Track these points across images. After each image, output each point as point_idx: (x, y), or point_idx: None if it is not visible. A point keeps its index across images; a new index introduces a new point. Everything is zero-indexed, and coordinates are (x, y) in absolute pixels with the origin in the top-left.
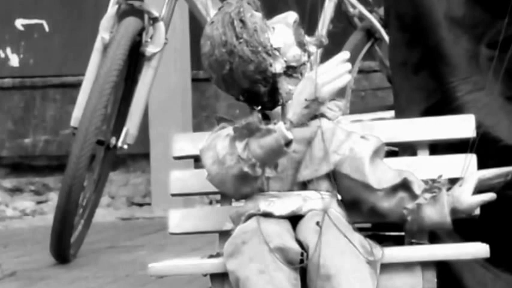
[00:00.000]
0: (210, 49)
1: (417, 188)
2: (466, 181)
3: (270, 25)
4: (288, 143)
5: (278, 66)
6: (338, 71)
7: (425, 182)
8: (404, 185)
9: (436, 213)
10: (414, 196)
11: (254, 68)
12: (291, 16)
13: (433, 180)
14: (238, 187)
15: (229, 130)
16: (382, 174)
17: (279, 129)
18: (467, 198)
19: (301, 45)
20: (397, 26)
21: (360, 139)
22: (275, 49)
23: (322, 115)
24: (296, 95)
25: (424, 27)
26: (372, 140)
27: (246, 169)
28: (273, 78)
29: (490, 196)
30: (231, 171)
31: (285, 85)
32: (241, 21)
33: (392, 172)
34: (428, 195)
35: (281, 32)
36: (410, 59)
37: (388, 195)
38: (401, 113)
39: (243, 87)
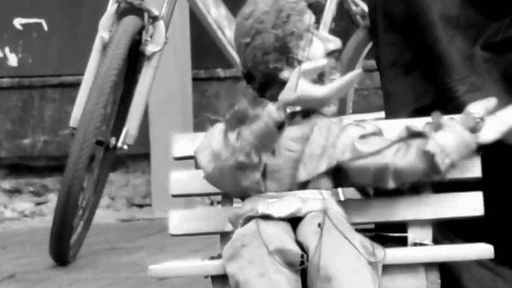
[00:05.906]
0: (247, 14)
1: (422, 128)
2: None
3: (312, 36)
4: (281, 124)
5: (286, 75)
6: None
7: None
8: (410, 133)
9: (452, 134)
10: (424, 136)
11: (264, 59)
12: (335, 43)
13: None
14: (237, 180)
15: (221, 126)
16: (381, 141)
17: (267, 111)
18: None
19: (321, 75)
20: (385, 26)
21: (354, 127)
22: (295, 59)
23: (317, 111)
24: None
25: (418, 28)
26: (368, 127)
27: (241, 158)
28: (275, 79)
29: None
30: (228, 163)
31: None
32: (288, 16)
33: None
34: (434, 124)
35: (315, 50)
36: (400, 60)
37: (401, 151)
38: (391, 113)
39: (247, 64)
